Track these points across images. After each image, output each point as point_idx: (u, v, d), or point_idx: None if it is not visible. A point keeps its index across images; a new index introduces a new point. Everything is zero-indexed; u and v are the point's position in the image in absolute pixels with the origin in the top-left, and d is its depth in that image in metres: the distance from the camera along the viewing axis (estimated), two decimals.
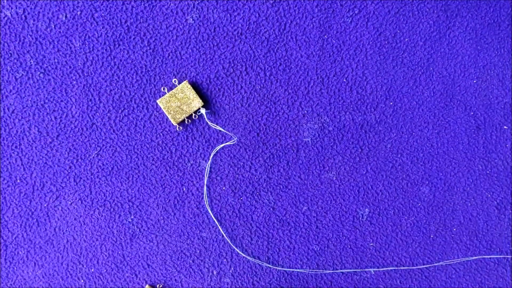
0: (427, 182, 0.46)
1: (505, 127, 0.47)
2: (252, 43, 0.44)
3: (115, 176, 0.44)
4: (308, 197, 0.46)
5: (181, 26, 0.44)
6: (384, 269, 0.47)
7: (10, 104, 0.43)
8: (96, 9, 0.43)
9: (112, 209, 0.45)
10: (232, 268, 0.46)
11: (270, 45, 0.45)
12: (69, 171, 0.44)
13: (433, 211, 0.47)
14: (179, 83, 0.44)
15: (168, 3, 0.43)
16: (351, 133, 0.46)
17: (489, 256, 0.47)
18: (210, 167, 0.45)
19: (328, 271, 0.46)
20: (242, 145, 0.45)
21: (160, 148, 0.44)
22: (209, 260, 0.46)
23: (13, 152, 0.43)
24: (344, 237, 0.46)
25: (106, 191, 0.44)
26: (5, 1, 0.42)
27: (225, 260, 0.46)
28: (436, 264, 0.47)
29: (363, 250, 0.47)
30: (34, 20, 0.42)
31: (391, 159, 0.46)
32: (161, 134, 0.44)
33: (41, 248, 0.44)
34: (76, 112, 0.43)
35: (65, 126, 0.43)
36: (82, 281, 0.45)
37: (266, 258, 0.46)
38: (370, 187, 0.46)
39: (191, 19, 0.44)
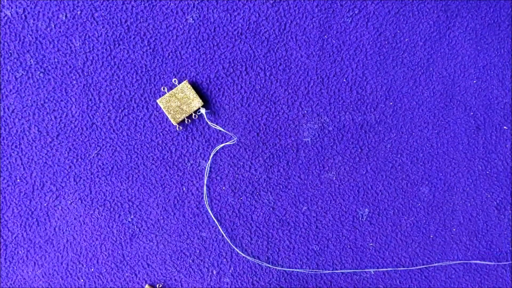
0: (427, 182, 0.46)
1: (505, 127, 0.47)
2: (252, 43, 0.44)
3: (115, 175, 0.44)
4: (308, 197, 0.46)
5: (181, 26, 0.44)
6: (384, 269, 0.47)
7: (10, 103, 0.43)
8: (96, 9, 0.43)
9: (112, 209, 0.45)
10: (232, 268, 0.46)
11: (270, 45, 0.45)
12: (69, 170, 0.44)
13: (432, 211, 0.47)
14: (179, 83, 0.44)
15: (168, 2, 0.43)
16: (351, 133, 0.46)
17: (482, 262, 0.47)
18: (210, 167, 0.45)
19: (327, 271, 0.46)
20: (242, 145, 0.45)
21: (160, 148, 0.44)
22: (209, 260, 0.46)
23: (13, 152, 0.43)
24: (343, 237, 0.46)
25: (106, 190, 0.44)
26: (5, 0, 0.42)
27: (224, 260, 0.46)
28: (436, 264, 0.47)
29: (362, 250, 0.47)
30: (34, 20, 0.42)
31: (391, 159, 0.46)
32: (161, 134, 0.44)
33: (41, 247, 0.44)
34: (76, 112, 0.43)
35: (65, 125, 0.43)
36: (82, 280, 0.45)
37: (266, 258, 0.46)
38: (370, 187, 0.46)
39: (191, 19, 0.44)
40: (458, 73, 0.46)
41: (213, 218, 0.45)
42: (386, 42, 0.45)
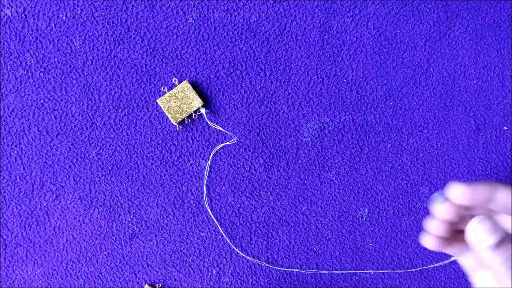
0: (426, 183, 0.46)
1: (505, 127, 0.47)
2: (252, 43, 0.44)
3: (115, 175, 0.44)
4: (308, 197, 0.46)
5: (181, 26, 0.44)
6: (384, 271, 0.47)
7: (10, 103, 0.43)
8: (97, 8, 0.43)
9: (111, 209, 0.45)
10: (232, 268, 0.46)
11: (270, 45, 0.45)
12: (68, 170, 0.44)
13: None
14: (179, 82, 0.44)
15: (168, 2, 0.43)
16: (351, 133, 0.46)
17: None
18: (210, 167, 0.45)
19: (327, 271, 0.46)
20: (242, 144, 0.45)
21: (160, 147, 0.44)
22: (208, 259, 0.46)
23: (13, 151, 0.43)
24: (343, 237, 0.46)
25: (106, 190, 0.44)
26: (5, 0, 0.42)
27: (224, 259, 0.46)
28: (436, 264, 0.47)
29: (362, 250, 0.47)
30: (34, 19, 0.42)
31: (391, 159, 0.46)
32: (161, 134, 0.44)
33: (41, 247, 0.44)
34: (76, 111, 0.43)
35: (65, 125, 0.43)
36: (82, 280, 0.45)
37: (266, 258, 0.46)
38: (369, 187, 0.46)
39: (191, 19, 0.44)
40: (458, 73, 0.46)
41: (213, 218, 0.45)
42: (386, 42, 0.45)
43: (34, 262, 0.44)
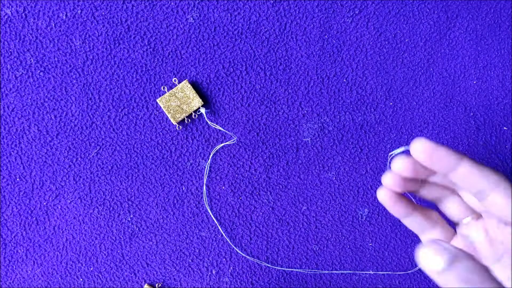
0: None
1: (504, 128, 0.47)
2: (252, 43, 0.44)
3: (115, 175, 0.44)
4: (308, 197, 0.46)
5: (181, 26, 0.44)
6: (384, 272, 0.47)
7: (10, 102, 0.43)
8: (97, 8, 0.43)
9: (111, 208, 0.45)
10: (231, 268, 0.46)
11: (270, 45, 0.45)
12: (68, 169, 0.44)
13: None
14: (179, 82, 0.44)
15: (168, 2, 0.43)
16: (351, 133, 0.46)
17: None
18: (210, 167, 0.45)
19: (327, 271, 0.46)
20: (241, 144, 0.45)
21: (160, 147, 0.44)
22: (208, 259, 0.46)
23: (12, 151, 0.43)
24: (343, 237, 0.46)
25: (106, 190, 0.44)
26: None
27: (224, 259, 0.46)
28: None
29: (362, 250, 0.47)
30: (34, 19, 0.42)
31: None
32: (160, 133, 0.44)
33: (40, 246, 0.44)
34: (76, 111, 0.43)
35: (65, 124, 0.43)
36: (81, 280, 0.45)
37: (265, 258, 0.46)
38: (369, 187, 0.46)
39: (192, 19, 0.44)
40: (458, 73, 0.46)
41: (213, 217, 0.45)
42: (386, 42, 0.45)
43: (33, 262, 0.45)
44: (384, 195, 0.29)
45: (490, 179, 0.24)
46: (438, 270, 0.21)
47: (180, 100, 0.43)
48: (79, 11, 0.43)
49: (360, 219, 0.46)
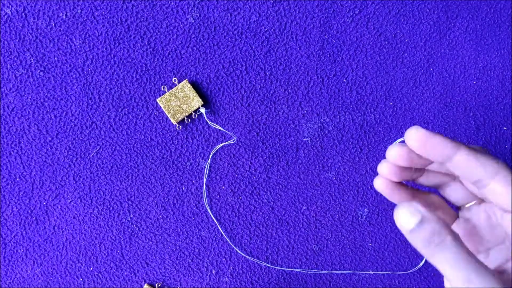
0: None
1: (504, 128, 0.47)
2: (252, 43, 0.44)
3: (115, 174, 0.44)
4: (308, 197, 0.46)
5: (181, 25, 0.44)
6: (384, 272, 0.47)
7: (10, 102, 0.43)
8: (97, 8, 0.43)
9: (111, 208, 0.45)
10: (231, 268, 0.46)
11: (270, 45, 0.45)
12: (68, 169, 0.44)
13: None
14: (179, 82, 0.44)
15: (168, 2, 0.43)
16: (351, 133, 0.46)
17: None
18: (210, 166, 0.45)
19: (326, 271, 0.46)
20: (241, 144, 0.45)
21: (160, 147, 0.44)
22: (208, 259, 0.46)
23: (12, 150, 0.43)
24: (343, 237, 0.46)
25: (106, 189, 0.44)
26: None
27: (224, 259, 0.46)
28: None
29: (362, 250, 0.47)
30: (34, 18, 0.42)
31: None
32: (160, 133, 0.44)
33: (40, 246, 0.44)
34: (75, 111, 0.43)
35: (65, 124, 0.43)
36: (81, 279, 0.45)
37: (265, 258, 0.46)
38: (369, 187, 0.46)
39: (192, 18, 0.44)
40: (458, 73, 0.46)
41: (213, 217, 0.45)
42: (386, 42, 0.45)
43: (33, 261, 0.45)
44: (381, 184, 0.28)
45: (488, 168, 0.24)
46: (408, 229, 0.23)
47: (180, 100, 0.43)
48: (79, 11, 0.43)
49: (360, 219, 0.46)
